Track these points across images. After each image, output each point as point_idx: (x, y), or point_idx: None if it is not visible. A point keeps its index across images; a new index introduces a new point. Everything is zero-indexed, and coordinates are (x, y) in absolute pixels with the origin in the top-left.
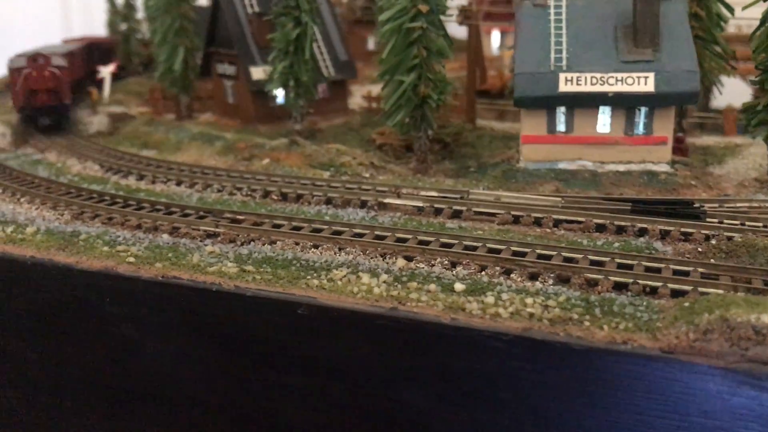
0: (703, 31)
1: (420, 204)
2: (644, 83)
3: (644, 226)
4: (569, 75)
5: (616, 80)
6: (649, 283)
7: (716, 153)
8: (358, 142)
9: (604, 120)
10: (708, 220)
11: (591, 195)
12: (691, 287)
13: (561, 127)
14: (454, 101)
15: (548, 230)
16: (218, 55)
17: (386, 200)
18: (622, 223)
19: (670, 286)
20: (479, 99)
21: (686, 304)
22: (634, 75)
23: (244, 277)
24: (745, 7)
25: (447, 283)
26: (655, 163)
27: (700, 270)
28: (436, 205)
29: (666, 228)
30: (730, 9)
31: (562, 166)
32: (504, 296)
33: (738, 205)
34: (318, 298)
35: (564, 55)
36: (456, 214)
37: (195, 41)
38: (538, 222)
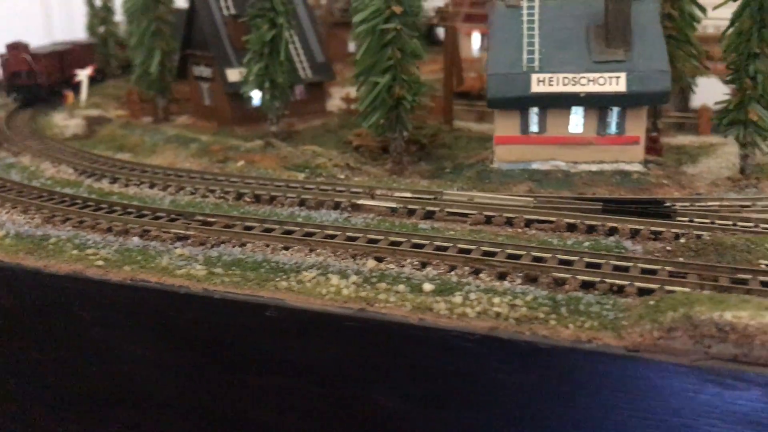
0: (676, 31)
1: (393, 205)
2: (616, 83)
3: (614, 225)
4: (541, 76)
5: (588, 80)
6: (616, 281)
7: (691, 152)
8: (335, 143)
9: (576, 120)
10: (679, 219)
11: (563, 195)
12: (658, 285)
13: (534, 127)
14: (430, 103)
15: (520, 230)
16: (194, 58)
17: (360, 201)
18: (593, 223)
19: (637, 284)
20: (459, 101)
21: (652, 302)
22: (606, 75)
23: (212, 279)
24: (715, 7)
25: (416, 283)
26: (627, 163)
27: (668, 268)
28: (409, 206)
29: (636, 227)
30: (703, 9)
31: (535, 166)
32: (472, 296)
33: (709, 203)
34: (286, 300)
35: (536, 55)
36: (429, 215)
37: (172, 44)
38: (510, 222)
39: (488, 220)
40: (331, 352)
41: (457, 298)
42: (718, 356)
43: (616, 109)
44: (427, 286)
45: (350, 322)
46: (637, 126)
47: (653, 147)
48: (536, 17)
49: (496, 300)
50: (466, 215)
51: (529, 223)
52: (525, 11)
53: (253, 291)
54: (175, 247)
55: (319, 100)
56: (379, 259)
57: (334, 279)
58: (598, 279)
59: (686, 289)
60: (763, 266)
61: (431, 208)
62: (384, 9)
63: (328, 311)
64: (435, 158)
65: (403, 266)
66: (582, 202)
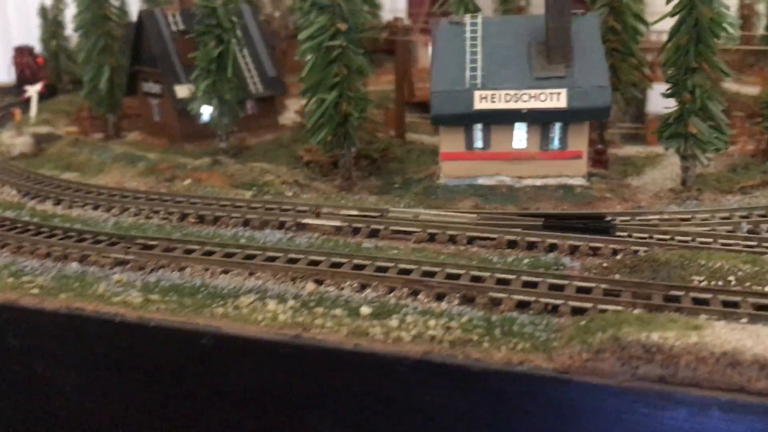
0: (620, 44)
1: (338, 224)
2: (557, 99)
3: (554, 241)
4: (484, 93)
5: (530, 97)
6: (551, 301)
7: (637, 163)
8: (287, 158)
9: (520, 136)
10: (618, 234)
11: (505, 211)
12: (591, 305)
13: (479, 143)
14: (376, 119)
15: (462, 248)
16: (143, 74)
17: (305, 221)
18: (533, 239)
19: (571, 303)
20: (414, 112)
21: (582, 322)
22: (547, 91)
23: (148, 306)
24: (654, 22)
25: (354, 307)
26: (571, 177)
27: (603, 287)
28: (354, 225)
29: (575, 243)
30: (645, 23)
31: (481, 181)
32: (408, 319)
33: (649, 217)
34: (222, 327)
35: (479, 72)
36: (374, 233)
37: (121, 59)
38: (453, 239)
39: (432, 238)
40: (266, 380)
41: (394, 322)
42: (646, 377)
43: (558, 125)
44: (365, 310)
45: (285, 349)
46: (580, 141)
47: (599, 159)
48: (479, 34)
49: (432, 323)
50: (410, 233)
51: (471, 240)
52: (468, 28)
53: (189, 318)
54: (114, 273)
55: (271, 114)
56: (319, 282)
57: (272, 304)
58: (533, 299)
59: (619, 308)
60: (695, 283)
61: (376, 227)
62: (329, 26)
63: (262, 338)
64: (386, 173)
65: (342, 289)
66: (524, 218)
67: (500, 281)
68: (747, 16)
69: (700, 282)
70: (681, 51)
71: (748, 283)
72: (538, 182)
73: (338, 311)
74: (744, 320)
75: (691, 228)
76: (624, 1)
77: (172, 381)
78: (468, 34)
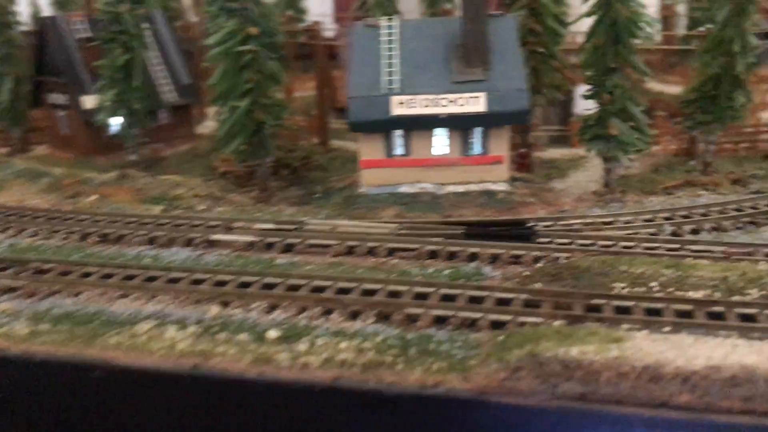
0: (541, 46)
1: (251, 239)
2: (476, 103)
3: (475, 250)
4: (402, 98)
5: (449, 101)
6: (469, 315)
7: (561, 166)
8: (203, 169)
9: (440, 142)
10: (541, 240)
11: (427, 220)
12: (511, 317)
13: (399, 150)
14: (294, 125)
15: (382, 260)
16: (48, 84)
17: (215, 237)
18: (454, 249)
19: (490, 317)
20: (339, 118)
21: (500, 338)
22: (466, 96)
23: (35, 338)
24: (571, 23)
25: (261, 330)
26: (493, 183)
27: (523, 297)
28: (268, 239)
29: (496, 251)
30: (565, 25)
31: (403, 189)
32: (319, 341)
33: (572, 222)
34: (114, 358)
35: (396, 77)
36: (289, 248)
37: (25, 69)
38: (372, 252)
39: (350, 251)
40: (162, 415)
41: (303, 346)
42: (565, 395)
43: (478, 129)
44: (272, 334)
45: (182, 381)
46: (501, 145)
47: (523, 163)
48: (396, 38)
49: (344, 345)
50: (327, 246)
51: (392, 252)
52: (385, 32)
53: (80, 350)
54: (0, 302)
55: (187, 123)
56: (225, 304)
57: (171, 330)
58: (452, 313)
59: (539, 320)
60: (617, 290)
61: (292, 241)
62: (239, 31)
63: (158, 370)
64: (307, 182)
65: (250, 310)
66: (446, 227)
67: (418, 296)
68: (667, 16)
69: (623, 289)
70: (599, 52)
71: (671, 289)
72: (461, 188)
73: (243, 336)
74: (667, 329)
75: (614, 232)
76: (543, 2)
77: (59, 418)
78: (385, 38)
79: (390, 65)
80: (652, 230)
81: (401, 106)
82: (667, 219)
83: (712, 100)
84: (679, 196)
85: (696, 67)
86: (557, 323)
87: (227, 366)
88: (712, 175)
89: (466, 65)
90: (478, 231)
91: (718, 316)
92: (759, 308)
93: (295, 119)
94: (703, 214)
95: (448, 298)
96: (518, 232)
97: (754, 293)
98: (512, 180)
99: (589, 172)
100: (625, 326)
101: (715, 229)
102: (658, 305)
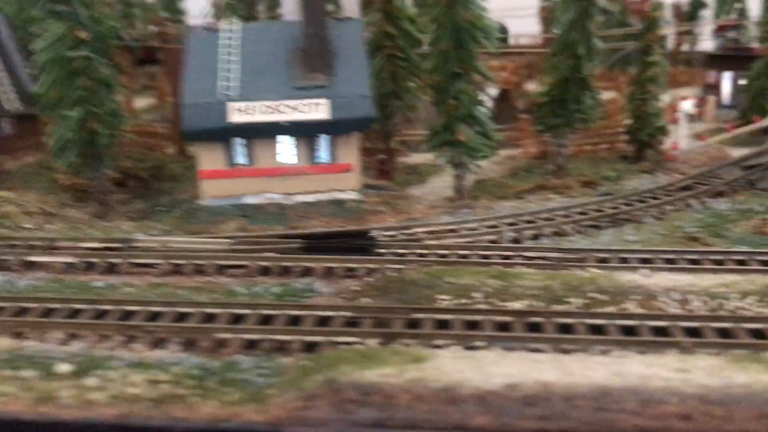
0: (398, 50)
1: (71, 260)
2: (319, 110)
3: (310, 264)
4: (240, 104)
5: (290, 108)
6: (281, 337)
7: (422, 172)
8: (47, 183)
9: (285, 150)
10: (380, 251)
11: (262, 234)
12: (325, 338)
13: (241, 159)
14: (158, 132)
15: (211, 279)
16: None
17: (33, 258)
18: (288, 264)
19: (306, 339)
20: None
21: (303, 362)
22: (308, 102)
23: None
24: (423, 26)
25: (51, 365)
26: (342, 191)
27: (346, 315)
28: (90, 260)
29: (330, 265)
30: (421, 31)
31: (247, 200)
32: (111, 375)
33: (416, 231)
34: None
35: (234, 83)
36: (112, 269)
37: None
38: (201, 270)
39: (177, 270)
40: None
41: (92, 380)
42: (362, 423)
43: (324, 137)
44: (63, 368)
45: None
46: (349, 153)
47: (383, 170)
48: (236, 42)
49: (137, 378)
50: (153, 266)
51: (222, 269)
52: (223, 35)
53: None
54: None
55: (34, 134)
56: (19, 335)
57: None
58: (264, 337)
59: (355, 339)
60: (439, 303)
61: (115, 261)
62: (68, 35)
63: None
64: (156, 194)
65: (45, 342)
66: (284, 240)
67: (234, 318)
68: (546, 18)
69: (446, 302)
70: (443, 57)
71: (493, 299)
72: (310, 198)
73: (29, 372)
74: (482, 342)
75: (454, 240)
76: (397, 5)
77: None
78: (223, 42)
79: (228, 70)
80: (494, 237)
81: (239, 113)
82: (510, 225)
83: (561, 103)
84: (530, 200)
85: (546, 70)
86: (367, 343)
87: (4, 406)
88: (564, 179)
89: (308, 70)
90: (318, 244)
91: (535, 328)
92: (576, 318)
93: (154, 127)
94: (547, 219)
95: (266, 320)
96: (358, 243)
97: (574, 301)
98: (365, 188)
99: (447, 178)
100: (440, 342)
101: (556, 234)
102: (478, 318)
